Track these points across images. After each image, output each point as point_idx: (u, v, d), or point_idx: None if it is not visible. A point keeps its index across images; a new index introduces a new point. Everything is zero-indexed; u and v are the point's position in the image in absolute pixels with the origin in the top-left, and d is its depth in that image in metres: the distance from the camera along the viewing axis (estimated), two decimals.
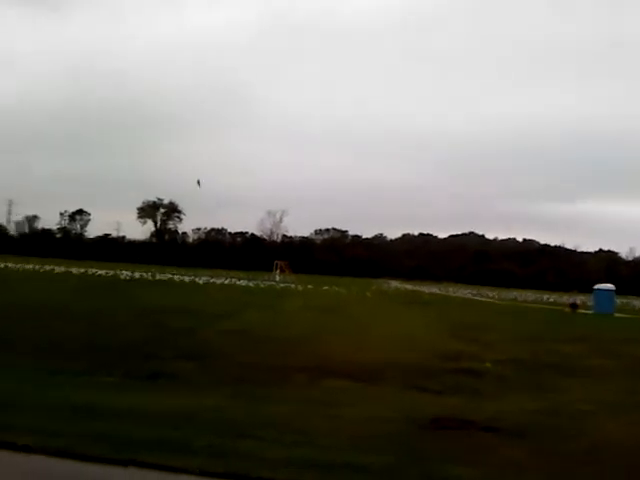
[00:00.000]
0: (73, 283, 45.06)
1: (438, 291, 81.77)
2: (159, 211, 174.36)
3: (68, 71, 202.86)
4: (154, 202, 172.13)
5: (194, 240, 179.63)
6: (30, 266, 67.53)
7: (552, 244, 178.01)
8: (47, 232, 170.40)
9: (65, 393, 9.83)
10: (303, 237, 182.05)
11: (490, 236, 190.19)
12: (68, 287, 39.34)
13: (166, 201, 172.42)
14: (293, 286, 64.85)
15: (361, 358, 15.70)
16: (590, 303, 54.71)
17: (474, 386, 13.39)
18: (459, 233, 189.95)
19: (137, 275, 64.94)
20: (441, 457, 7.27)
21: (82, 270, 67.69)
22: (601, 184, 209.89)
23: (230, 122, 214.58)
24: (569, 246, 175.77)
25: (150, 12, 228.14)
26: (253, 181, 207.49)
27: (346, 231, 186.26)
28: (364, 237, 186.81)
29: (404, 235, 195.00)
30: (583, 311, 50.02)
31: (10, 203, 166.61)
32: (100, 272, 65.91)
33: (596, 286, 52.64)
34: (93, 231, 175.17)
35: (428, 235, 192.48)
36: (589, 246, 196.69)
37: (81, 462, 6.38)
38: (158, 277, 64.68)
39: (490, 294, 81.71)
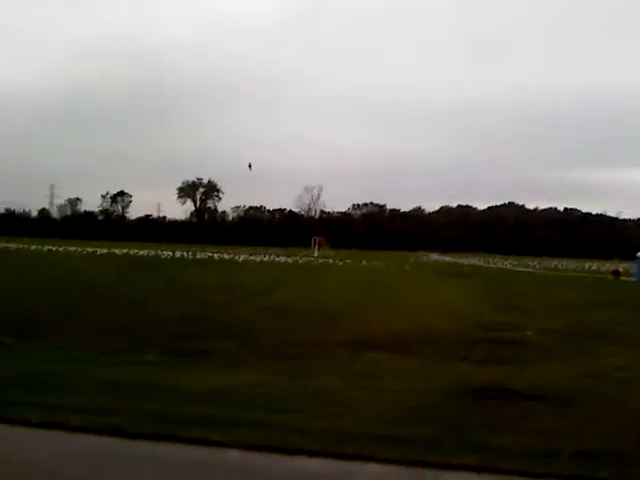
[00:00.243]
0: (115, 264, 45.70)
1: (478, 262, 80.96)
2: (198, 190, 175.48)
3: (111, 52, 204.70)
4: (193, 182, 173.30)
5: (233, 218, 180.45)
6: (73, 248, 68.66)
7: (594, 212, 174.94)
8: (89, 214, 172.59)
9: (111, 372, 10.01)
10: (341, 212, 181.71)
11: (530, 206, 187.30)
12: (111, 268, 39.90)
13: (205, 180, 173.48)
14: (331, 261, 64.85)
15: (402, 331, 15.73)
16: (633, 270, 53.80)
17: (516, 355, 13.33)
18: (499, 204, 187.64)
19: (178, 254, 65.67)
20: (483, 427, 7.24)
21: (124, 251, 68.64)
22: None
23: (268, 100, 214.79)
24: (611, 214, 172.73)
25: None
26: (291, 158, 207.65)
27: (384, 205, 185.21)
28: (402, 211, 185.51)
29: (442, 207, 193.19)
30: (626, 278, 49.26)
31: (52, 187, 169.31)
32: (141, 252, 66.87)
33: (639, 253, 51.74)
34: (134, 212, 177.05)
35: (467, 207, 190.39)
36: (632, 213, 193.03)
37: (130, 440, 6.54)
38: (198, 256, 65.26)
39: (531, 264, 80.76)
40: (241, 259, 62.20)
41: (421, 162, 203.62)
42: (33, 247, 69.56)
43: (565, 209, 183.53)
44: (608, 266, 68.79)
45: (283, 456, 6.23)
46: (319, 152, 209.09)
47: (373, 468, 6.03)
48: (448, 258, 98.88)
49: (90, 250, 66.99)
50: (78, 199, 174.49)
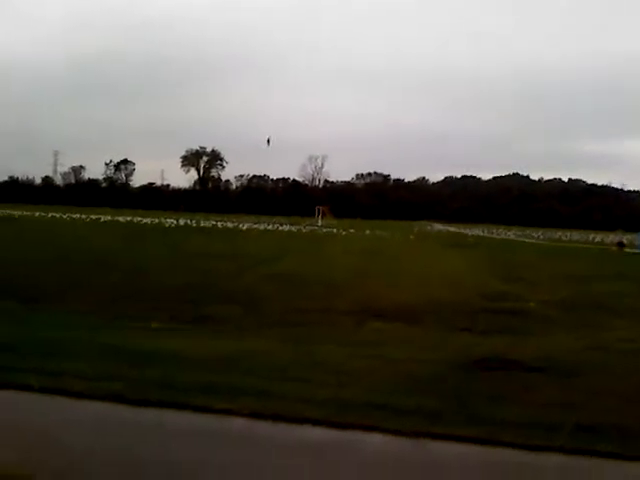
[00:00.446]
0: (119, 231, 45.68)
1: (482, 233, 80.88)
2: (202, 159, 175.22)
3: (110, 22, 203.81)
4: (197, 150, 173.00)
5: (237, 187, 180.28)
6: (76, 215, 68.62)
7: (599, 184, 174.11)
8: (93, 182, 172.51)
9: (115, 339, 10.00)
10: (344, 182, 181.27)
11: (535, 177, 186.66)
12: (114, 235, 39.90)
13: (209, 149, 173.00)
14: (335, 230, 64.75)
15: (405, 300, 15.73)
16: (637, 242, 53.66)
17: (519, 326, 13.34)
18: (503, 174, 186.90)
19: (182, 222, 65.65)
20: (486, 398, 7.24)
21: (128, 218, 68.61)
22: None
23: (271, 69, 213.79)
24: (616, 185, 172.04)
25: None
26: (295, 127, 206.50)
27: (388, 175, 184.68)
28: (406, 180, 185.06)
29: (446, 178, 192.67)
30: (630, 250, 49.18)
31: (56, 154, 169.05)
32: (145, 220, 66.82)
33: None
34: (138, 180, 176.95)
35: (471, 177, 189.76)
36: (637, 185, 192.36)
37: (134, 407, 6.56)
38: (202, 224, 65.21)
39: (535, 235, 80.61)
40: (245, 227, 62.14)
41: (425, 132, 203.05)
42: (37, 214, 69.55)
43: (570, 180, 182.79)
44: (612, 237, 68.70)
45: (287, 424, 6.26)
46: (323, 122, 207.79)
47: (376, 438, 6.05)
48: (452, 228, 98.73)
49: (94, 217, 66.90)
50: (82, 167, 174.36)
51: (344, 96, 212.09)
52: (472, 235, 71.61)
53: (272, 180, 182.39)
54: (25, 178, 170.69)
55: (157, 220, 68.00)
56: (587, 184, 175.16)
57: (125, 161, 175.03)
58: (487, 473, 5.67)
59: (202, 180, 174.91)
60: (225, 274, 19.72)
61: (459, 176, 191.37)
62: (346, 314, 13.79)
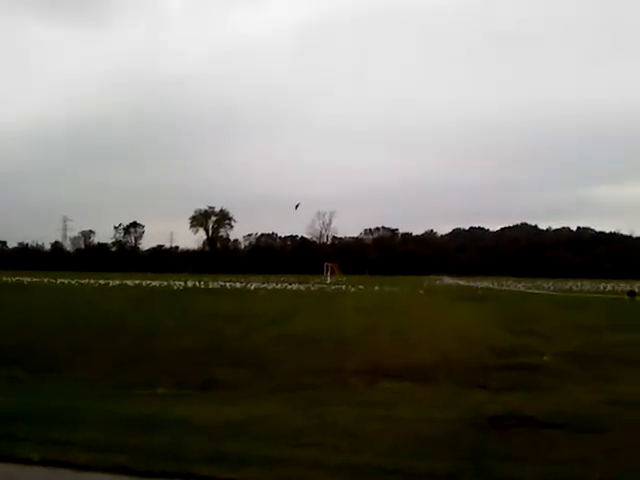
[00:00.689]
0: (127, 295, 45.74)
1: (492, 285, 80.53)
2: (210, 219, 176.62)
3: (118, 85, 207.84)
4: (205, 210, 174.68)
5: (245, 246, 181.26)
6: (85, 281, 68.87)
7: (607, 231, 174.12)
8: (102, 246, 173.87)
9: (121, 406, 9.86)
10: (353, 237, 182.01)
11: (543, 226, 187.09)
12: (123, 299, 39.93)
13: (217, 209, 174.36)
14: (344, 287, 64.68)
15: (416, 358, 15.52)
16: None
17: (533, 381, 13.08)
18: (511, 225, 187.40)
19: (190, 284, 65.74)
20: (503, 457, 7.03)
21: (136, 282, 68.76)
22: None
23: (276, 127, 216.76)
24: (625, 232, 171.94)
25: (197, 22, 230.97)
26: (301, 184, 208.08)
27: (396, 229, 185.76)
28: (414, 234, 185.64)
29: (454, 230, 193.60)
30: None
31: (65, 219, 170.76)
32: (154, 283, 66.96)
33: None
34: (147, 243, 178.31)
35: (479, 229, 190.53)
36: None
37: (139, 478, 6.37)
38: (211, 285, 65.30)
39: (545, 286, 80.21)
40: (253, 287, 62.15)
41: (431, 184, 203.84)
42: (46, 280, 69.78)
43: (578, 228, 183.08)
44: (623, 286, 68.18)
45: None
46: (330, 178, 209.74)
47: None
48: (461, 281, 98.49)
49: (102, 282, 67.13)
50: (91, 231, 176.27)
51: (349, 152, 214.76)
52: (482, 288, 71.31)
53: (280, 238, 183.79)
54: (35, 244, 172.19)
55: (165, 282, 68.13)
56: (595, 232, 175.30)
57: (134, 224, 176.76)
58: None
59: (211, 240, 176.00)
60: (233, 336, 19.58)
61: (467, 228, 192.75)
62: (356, 374, 13.58)
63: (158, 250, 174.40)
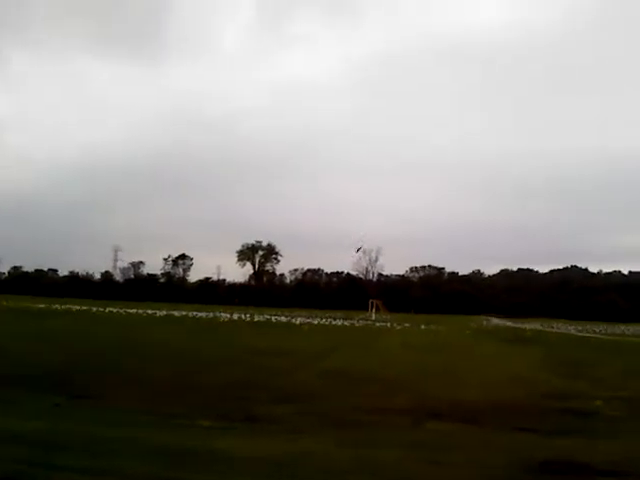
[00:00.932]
0: (173, 326, 46.04)
1: (541, 327, 78.79)
2: (257, 253, 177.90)
3: (171, 121, 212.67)
4: (253, 245, 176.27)
5: (291, 281, 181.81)
6: (133, 310, 69.66)
7: None
8: (151, 277, 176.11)
9: (163, 437, 9.72)
10: (398, 275, 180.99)
11: (594, 269, 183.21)
12: (168, 330, 40.18)
13: (264, 243, 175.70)
14: (389, 325, 64.12)
15: (464, 399, 15.11)
16: None
17: (585, 426, 12.56)
18: (560, 267, 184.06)
19: (235, 317, 65.91)
20: None
21: (183, 313, 69.28)
22: None
23: (324, 163, 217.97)
24: None
25: (247, 62, 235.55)
26: (349, 221, 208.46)
27: (442, 268, 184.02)
28: (461, 274, 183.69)
29: (502, 270, 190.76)
30: None
31: (116, 249, 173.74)
32: (200, 314, 67.33)
33: None
34: (195, 275, 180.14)
35: (527, 270, 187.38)
36: None
37: None
38: (256, 318, 65.38)
39: (596, 329, 78.28)
40: (298, 321, 62.02)
41: (479, 224, 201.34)
42: (94, 309, 70.78)
43: (630, 272, 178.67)
44: None
45: None
46: (377, 216, 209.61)
47: None
48: (509, 322, 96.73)
49: (150, 312, 67.80)
50: (141, 262, 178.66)
51: (397, 191, 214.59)
52: (530, 329, 69.86)
53: (326, 274, 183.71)
54: (85, 273, 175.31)
55: (211, 314, 68.47)
56: None
57: (183, 256, 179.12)
58: None
59: (257, 274, 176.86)
60: (278, 370, 19.41)
61: (515, 269, 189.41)
62: (403, 413, 13.24)
63: (205, 282, 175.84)
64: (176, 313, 68.97)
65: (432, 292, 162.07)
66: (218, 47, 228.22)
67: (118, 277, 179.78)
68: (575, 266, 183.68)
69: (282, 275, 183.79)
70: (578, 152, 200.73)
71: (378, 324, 66.67)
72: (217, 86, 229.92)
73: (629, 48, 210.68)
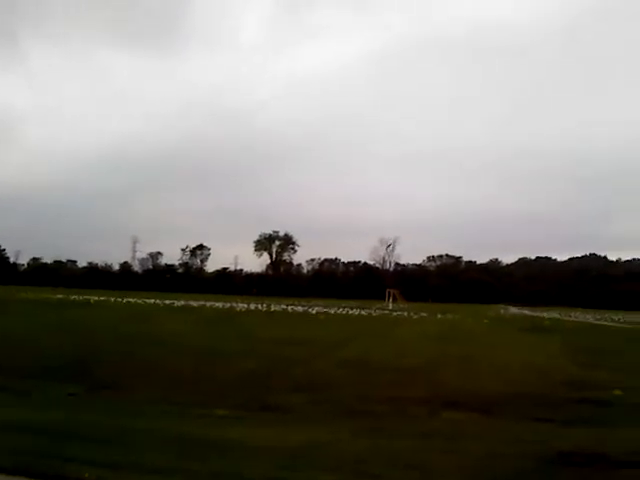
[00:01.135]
0: (190, 316, 46.18)
1: (559, 316, 78.28)
2: (274, 243, 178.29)
3: (189, 113, 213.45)
4: (270, 235, 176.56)
5: (308, 271, 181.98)
6: (151, 300, 70.03)
7: None
8: (170, 268, 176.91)
9: (178, 427, 9.74)
10: (416, 264, 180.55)
11: (612, 257, 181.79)
12: (185, 319, 40.30)
13: (281, 233, 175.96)
14: (406, 314, 63.96)
15: (481, 388, 15.02)
16: None
17: (604, 416, 12.44)
18: (579, 255, 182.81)
19: (252, 307, 66.06)
20: None
21: (201, 303, 69.54)
22: None
23: (342, 153, 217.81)
24: None
25: (266, 55, 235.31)
26: (366, 210, 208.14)
27: (460, 257, 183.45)
28: (478, 262, 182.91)
29: (520, 259, 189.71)
30: None
31: (134, 240, 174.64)
32: (217, 304, 67.55)
33: None
34: (212, 265, 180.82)
35: (546, 258, 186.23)
36: None
37: None
38: (273, 308, 65.50)
39: (615, 317, 77.61)
40: (315, 311, 62.05)
41: (497, 213, 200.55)
42: (113, 299, 71.23)
43: None
44: None
45: None
46: (394, 205, 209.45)
47: None
48: (527, 311, 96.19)
49: (168, 302, 68.12)
50: (159, 253, 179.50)
51: (414, 180, 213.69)
52: (549, 318, 69.44)
53: (343, 263, 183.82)
54: (104, 264, 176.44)
55: (228, 304, 68.67)
56: None
57: (201, 246, 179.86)
58: None
59: (274, 264, 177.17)
60: (294, 360, 19.39)
61: (533, 257, 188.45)
62: (419, 402, 13.17)
63: (223, 273, 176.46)
64: (194, 303, 69.27)
65: (449, 281, 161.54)
66: (236, 39, 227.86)
67: (136, 268, 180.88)
68: (594, 254, 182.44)
69: (299, 265, 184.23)
70: (595, 136, 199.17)
71: (395, 313, 66.54)
72: (235, 78, 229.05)
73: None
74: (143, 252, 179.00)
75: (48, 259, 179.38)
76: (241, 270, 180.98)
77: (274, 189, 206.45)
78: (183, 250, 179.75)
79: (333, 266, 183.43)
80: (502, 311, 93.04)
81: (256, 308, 64.53)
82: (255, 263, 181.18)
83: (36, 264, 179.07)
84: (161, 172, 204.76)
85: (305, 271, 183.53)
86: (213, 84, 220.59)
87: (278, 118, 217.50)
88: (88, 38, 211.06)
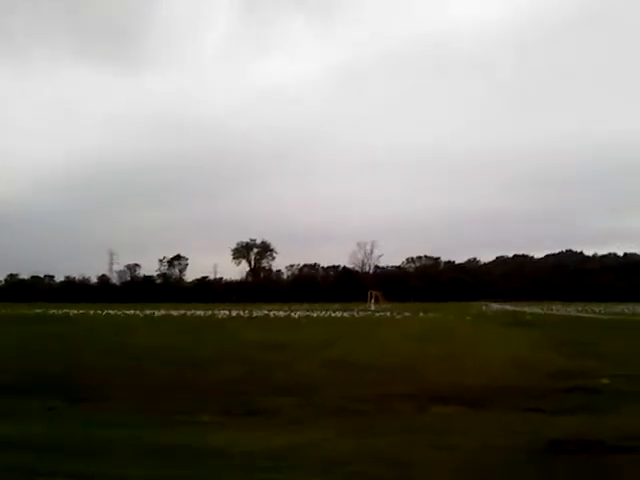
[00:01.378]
0: (171, 325, 45.83)
1: (540, 310, 78.73)
2: (252, 251, 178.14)
3: (161, 128, 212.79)
4: (247, 243, 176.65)
5: (288, 277, 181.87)
6: (131, 311, 69.46)
7: None
8: (148, 279, 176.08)
9: (161, 435, 9.47)
10: (395, 266, 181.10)
11: (589, 252, 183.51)
12: (166, 329, 39.97)
13: (259, 241, 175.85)
14: (389, 314, 63.93)
15: (468, 382, 14.90)
16: None
17: (592, 404, 12.36)
18: (556, 252, 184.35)
19: (234, 313, 65.71)
20: None
21: (181, 312, 69.08)
22: None
23: (316, 158, 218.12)
24: None
25: (228, 69, 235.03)
26: (343, 215, 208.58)
27: (438, 258, 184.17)
28: (457, 262, 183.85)
29: (498, 258, 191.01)
30: None
31: (111, 253, 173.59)
32: (198, 312, 67.17)
33: None
34: (191, 275, 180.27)
35: (523, 256, 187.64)
36: None
37: None
38: (254, 314, 65.19)
39: (596, 309, 78.23)
40: (297, 315, 61.82)
41: (473, 213, 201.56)
42: (92, 312, 70.54)
43: (625, 254, 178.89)
44: None
45: None
46: (370, 208, 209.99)
47: None
48: (509, 306, 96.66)
49: (147, 312, 67.58)
50: (137, 265, 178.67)
51: (390, 183, 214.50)
52: (531, 313, 69.79)
53: (323, 268, 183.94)
54: (82, 278, 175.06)
55: (210, 312, 68.27)
56: None
57: (178, 257, 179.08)
58: None
59: (253, 271, 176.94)
60: (277, 363, 19.17)
61: (510, 255, 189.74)
62: (405, 399, 12.98)
63: (202, 281, 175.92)
64: (174, 312, 68.80)
65: (429, 281, 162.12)
66: (200, 53, 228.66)
67: (115, 280, 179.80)
68: (570, 250, 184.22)
69: (279, 271, 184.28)
70: (571, 137, 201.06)
71: (378, 314, 66.48)
72: (203, 90, 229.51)
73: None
74: (120, 265, 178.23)
75: (25, 275, 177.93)
76: (220, 278, 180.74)
77: (249, 198, 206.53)
78: (161, 261, 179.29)
79: (313, 271, 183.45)
80: (484, 307, 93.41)
81: (237, 314, 64.19)
82: (234, 271, 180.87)
83: (13, 280, 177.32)
84: (134, 185, 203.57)
85: (285, 277, 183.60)
86: (180, 96, 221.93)
87: (249, 128, 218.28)
88: (52, 54, 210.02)
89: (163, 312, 68.89)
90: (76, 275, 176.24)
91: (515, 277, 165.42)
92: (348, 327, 43.07)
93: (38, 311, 72.29)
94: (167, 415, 11.78)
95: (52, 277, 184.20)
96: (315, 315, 62.81)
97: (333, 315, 63.73)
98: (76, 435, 9.55)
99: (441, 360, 19.80)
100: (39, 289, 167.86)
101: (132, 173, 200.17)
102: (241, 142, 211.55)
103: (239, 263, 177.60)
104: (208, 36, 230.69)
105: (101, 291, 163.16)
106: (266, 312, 69.29)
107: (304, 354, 22.11)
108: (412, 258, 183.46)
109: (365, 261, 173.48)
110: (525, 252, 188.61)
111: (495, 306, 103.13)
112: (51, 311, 71.01)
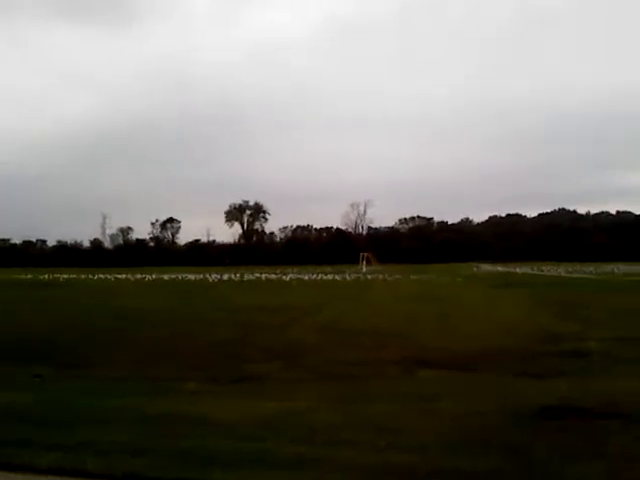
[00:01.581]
0: (162, 289, 45.77)
1: (531, 271, 78.91)
2: (245, 213, 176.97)
3: (153, 85, 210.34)
4: (240, 205, 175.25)
5: (281, 239, 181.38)
6: (123, 276, 69.31)
7: None
8: (141, 242, 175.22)
9: (149, 403, 9.31)
10: (388, 227, 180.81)
11: (582, 211, 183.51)
12: (157, 293, 39.91)
13: (252, 203, 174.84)
14: (380, 277, 64.01)
15: (457, 346, 14.88)
16: None
17: (581, 368, 12.32)
18: (549, 211, 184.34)
19: (225, 277, 65.67)
20: (557, 453, 6.32)
21: (172, 276, 68.96)
22: None
23: (308, 119, 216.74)
24: None
25: (223, 22, 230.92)
26: (336, 176, 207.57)
27: (431, 218, 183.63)
28: (450, 222, 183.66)
29: (491, 217, 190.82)
30: None
31: (104, 216, 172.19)
32: (190, 276, 67.06)
33: None
34: (184, 238, 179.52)
35: (516, 215, 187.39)
36: None
37: None
38: (246, 277, 65.16)
39: (586, 270, 78.48)
40: (288, 278, 61.85)
41: (466, 172, 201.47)
42: (83, 276, 70.38)
43: (618, 212, 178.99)
44: None
45: None
46: (363, 169, 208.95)
47: None
48: (500, 268, 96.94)
49: (139, 277, 67.45)
50: (129, 228, 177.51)
51: (382, 143, 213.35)
52: (522, 273, 69.96)
53: (316, 230, 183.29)
54: (74, 242, 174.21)
55: (201, 276, 68.20)
56: (635, 215, 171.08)
57: (171, 219, 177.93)
58: None
59: (246, 234, 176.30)
60: (268, 327, 19.13)
61: (503, 215, 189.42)
62: (395, 363, 12.96)
63: (195, 245, 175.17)
64: (166, 277, 68.67)
65: (422, 242, 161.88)
66: (192, 7, 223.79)
67: (107, 244, 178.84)
68: (563, 209, 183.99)
69: (272, 233, 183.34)
70: (561, 92, 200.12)
71: (369, 276, 66.60)
72: (194, 46, 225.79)
73: None
74: (113, 228, 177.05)
75: (17, 240, 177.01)
76: (213, 241, 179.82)
77: (242, 159, 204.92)
78: (153, 224, 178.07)
79: (305, 232, 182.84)
80: (475, 269, 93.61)
81: (229, 278, 64.20)
82: (227, 234, 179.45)
83: (4, 245, 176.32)
84: (126, 146, 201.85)
85: (278, 239, 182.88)
86: (171, 53, 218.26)
87: (241, 85, 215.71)
88: (40, 13, 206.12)
89: (154, 276, 68.76)
90: (68, 239, 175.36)
91: (508, 237, 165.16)
92: (339, 290, 43.09)
93: (29, 276, 72.06)
94: (155, 381, 11.69)
95: (44, 242, 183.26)
96: (307, 278, 62.83)
97: (325, 278, 63.79)
98: (55, 403, 9.43)
99: (431, 323, 19.80)
100: (31, 254, 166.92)
101: (123, 133, 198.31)
102: (234, 99, 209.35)
103: (232, 225, 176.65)
104: None
105: (94, 255, 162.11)
106: (258, 275, 69.31)
107: (295, 318, 22.08)
108: (405, 219, 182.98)
109: (358, 222, 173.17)
110: (518, 211, 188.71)
111: (487, 267, 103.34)
112: (42, 276, 70.75)
